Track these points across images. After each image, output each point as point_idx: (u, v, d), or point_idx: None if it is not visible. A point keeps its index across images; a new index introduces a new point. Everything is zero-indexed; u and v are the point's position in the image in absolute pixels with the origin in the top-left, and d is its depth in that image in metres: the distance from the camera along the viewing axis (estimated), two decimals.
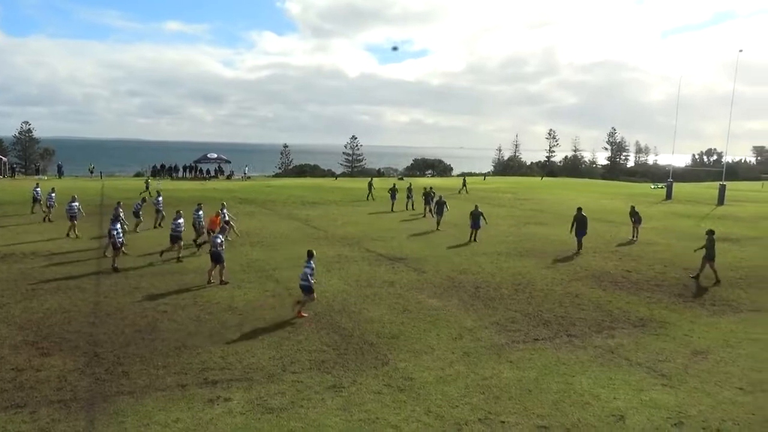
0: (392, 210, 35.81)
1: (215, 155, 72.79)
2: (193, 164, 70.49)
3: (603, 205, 42.95)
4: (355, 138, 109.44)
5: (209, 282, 16.69)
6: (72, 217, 24.17)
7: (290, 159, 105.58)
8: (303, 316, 13.71)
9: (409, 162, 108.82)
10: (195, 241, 21.95)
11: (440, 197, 29.41)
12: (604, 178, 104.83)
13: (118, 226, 18.81)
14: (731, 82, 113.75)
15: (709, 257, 18.02)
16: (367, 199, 42.79)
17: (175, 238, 19.75)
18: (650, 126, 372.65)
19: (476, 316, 14.20)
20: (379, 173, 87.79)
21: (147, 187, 43.46)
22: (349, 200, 43.38)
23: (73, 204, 24.52)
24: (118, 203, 23.33)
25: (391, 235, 25.88)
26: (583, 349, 11.96)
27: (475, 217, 24.86)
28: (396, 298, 15.70)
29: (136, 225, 25.74)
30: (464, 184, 53.08)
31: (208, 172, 69.63)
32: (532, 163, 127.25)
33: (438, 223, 28.33)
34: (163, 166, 70.04)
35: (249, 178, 69.35)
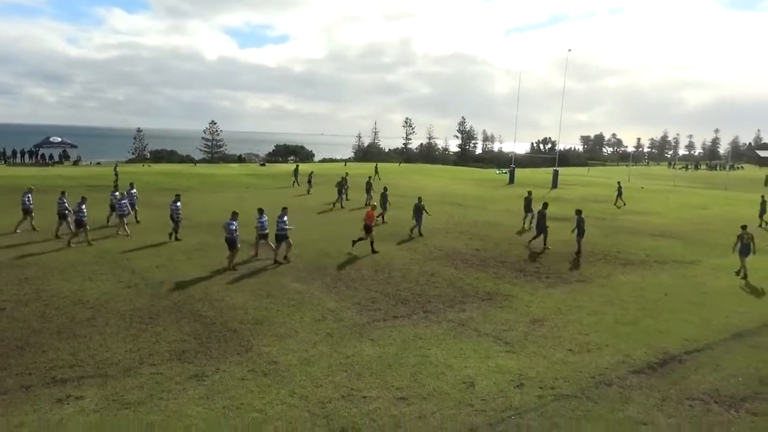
0: (342, 206, 32.40)
1: (59, 139, 66.33)
2: (33, 149, 63.77)
3: (453, 189, 45.72)
4: (215, 123, 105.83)
5: (233, 268, 17.05)
6: None
7: (145, 144, 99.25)
8: None
9: (271, 148, 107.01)
10: (171, 234, 21.15)
11: (384, 189, 28.11)
12: (455, 164, 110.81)
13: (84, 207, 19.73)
14: (563, 78, 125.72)
15: (580, 233, 20.28)
16: (293, 185, 43.51)
17: (79, 222, 19.67)
18: (496, 116, 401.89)
19: (338, 297, 14.61)
20: (240, 159, 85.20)
21: (116, 177, 40.65)
22: (210, 186, 41.87)
23: None
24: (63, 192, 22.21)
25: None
26: (438, 324, 12.83)
27: (418, 210, 23.40)
28: (259, 283, 15.65)
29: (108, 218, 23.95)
30: (376, 171, 53.24)
31: (51, 157, 63.31)
32: (390, 149, 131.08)
33: (382, 218, 26.56)
34: None
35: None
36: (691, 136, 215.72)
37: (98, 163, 64.37)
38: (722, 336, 12.52)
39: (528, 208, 26.35)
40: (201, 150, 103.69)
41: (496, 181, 57.05)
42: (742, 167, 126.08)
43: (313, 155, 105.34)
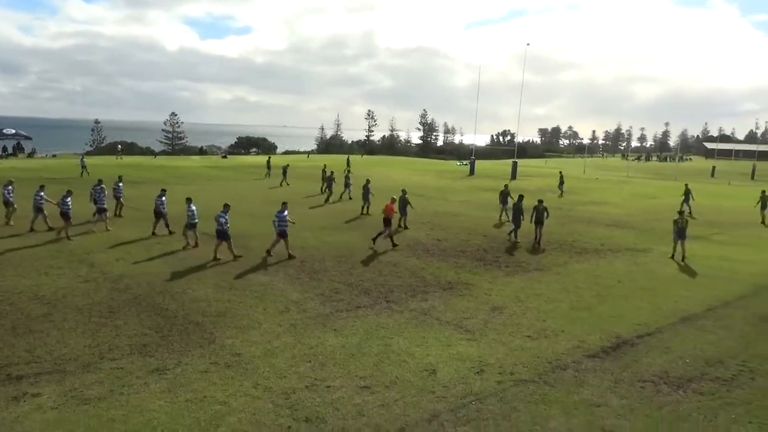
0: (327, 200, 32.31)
1: (13, 131, 64.01)
2: None
3: (415, 181, 46.10)
4: (176, 115, 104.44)
5: (215, 259, 17.11)
6: None
7: (103, 136, 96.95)
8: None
9: (233, 140, 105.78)
10: (154, 229, 20.71)
11: (367, 182, 27.91)
12: (417, 155, 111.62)
13: (69, 199, 19.69)
14: (522, 71, 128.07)
15: (538, 221, 20.77)
16: (265, 177, 44.47)
17: (65, 215, 19.48)
18: (457, 109, 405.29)
19: (302, 288, 14.65)
20: (202, 152, 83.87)
21: (84, 168, 40.15)
22: (172, 179, 41.08)
23: None
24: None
25: None
26: (401, 313, 13.02)
27: (402, 203, 23.28)
28: (222, 275, 15.56)
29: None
30: (348, 163, 53.24)
31: (5, 149, 61.08)
32: (352, 141, 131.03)
33: (366, 209, 27.01)
34: None
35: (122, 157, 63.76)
36: (643, 129, 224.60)
37: (54, 156, 62.41)
38: (671, 320, 13.07)
39: (504, 200, 26.38)
40: (161, 142, 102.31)
41: (457, 173, 57.72)
42: (690, 159, 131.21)
43: (276, 147, 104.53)
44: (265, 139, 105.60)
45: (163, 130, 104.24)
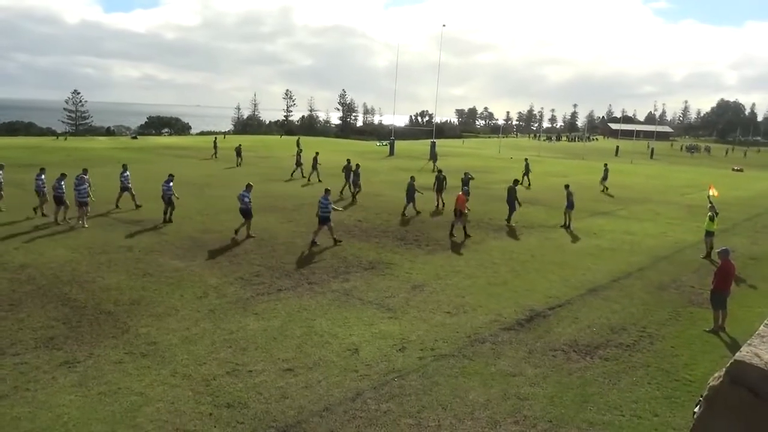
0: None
1: None
2: None
3: (337, 161, 45.75)
4: (79, 93, 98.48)
5: (236, 233, 17.74)
6: None
7: None
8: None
9: (143, 120, 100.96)
10: (165, 216, 19.71)
11: (357, 167, 27.05)
12: (337, 136, 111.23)
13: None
14: (439, 52, 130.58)
15: (439, 189, 22.49)
16: (212, 157, 44.05)
17: (59, 199, 18.91)
18: (376, 89, 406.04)
19: (221, 273, 14.30)
20: (110, 132, 79.53)
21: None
22: (78, 162, 38.58)
23: None
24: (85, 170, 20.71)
25: (126, 197, 23.97)
26: (323, 294, 13.01)
27: (410, 190, 22.98)
28: (135, 262, 14.91)
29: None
30: (298, 145, 51.91)
31: None
32: (270, 122, 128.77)
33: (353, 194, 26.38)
34: None
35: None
36: (553, 110, 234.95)
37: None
38: (579, 291, 13.84)
39: (440, 188, 24.90)
40: (64, 122, 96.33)
41: (377, 153, 57.90)
42: (597, 139, 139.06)
43: (190, 128, 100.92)
44: (178, 119, 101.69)
45: (65, 109, 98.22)
